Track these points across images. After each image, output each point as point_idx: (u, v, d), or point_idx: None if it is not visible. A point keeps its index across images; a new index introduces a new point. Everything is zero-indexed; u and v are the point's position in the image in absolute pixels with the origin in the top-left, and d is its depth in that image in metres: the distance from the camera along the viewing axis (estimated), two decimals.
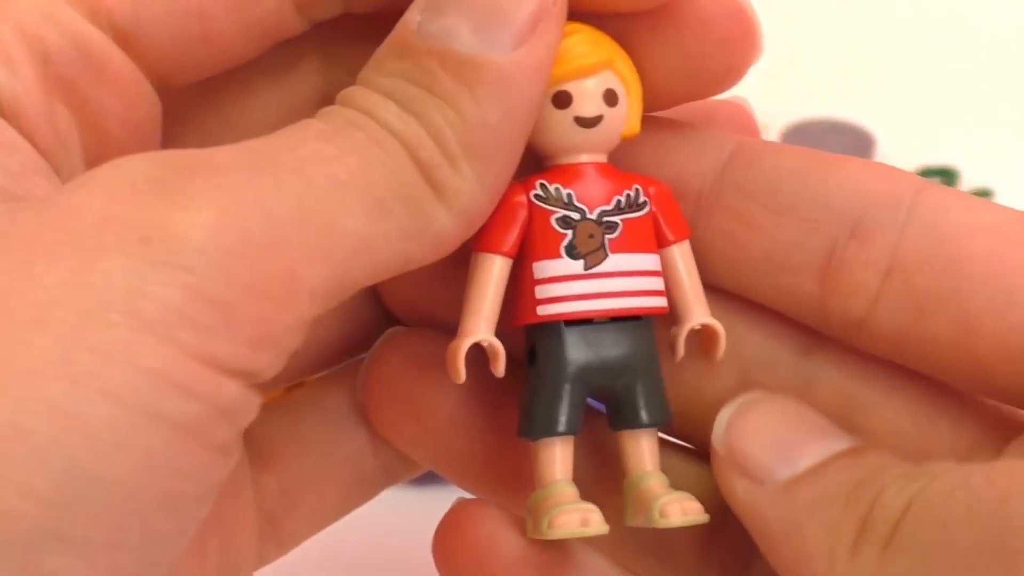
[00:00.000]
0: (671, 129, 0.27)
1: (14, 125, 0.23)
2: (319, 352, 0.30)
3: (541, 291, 0.25)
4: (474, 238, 0.25)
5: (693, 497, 0.25)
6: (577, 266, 0.25)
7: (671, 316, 0.26)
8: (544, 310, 0.25)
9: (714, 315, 0.26)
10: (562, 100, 0.25)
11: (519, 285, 0.25)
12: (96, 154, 0.24)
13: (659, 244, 0.26)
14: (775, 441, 0.25)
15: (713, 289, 0.27)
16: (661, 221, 0.26)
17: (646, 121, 0.26)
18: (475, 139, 0.23)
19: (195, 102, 0.27)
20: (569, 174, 0.25)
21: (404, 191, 0.23)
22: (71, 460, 0.19)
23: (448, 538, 0.27)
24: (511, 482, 0.27)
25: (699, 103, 0.27)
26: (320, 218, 0.21)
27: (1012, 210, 0.26)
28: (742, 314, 0.27)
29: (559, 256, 0.25)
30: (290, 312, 0.21)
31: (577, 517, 0.25)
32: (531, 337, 0.26)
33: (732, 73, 0.26)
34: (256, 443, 0.29)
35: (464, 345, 0.25)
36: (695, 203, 0.27)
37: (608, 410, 0.26)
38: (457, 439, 0.28)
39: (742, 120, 0.29)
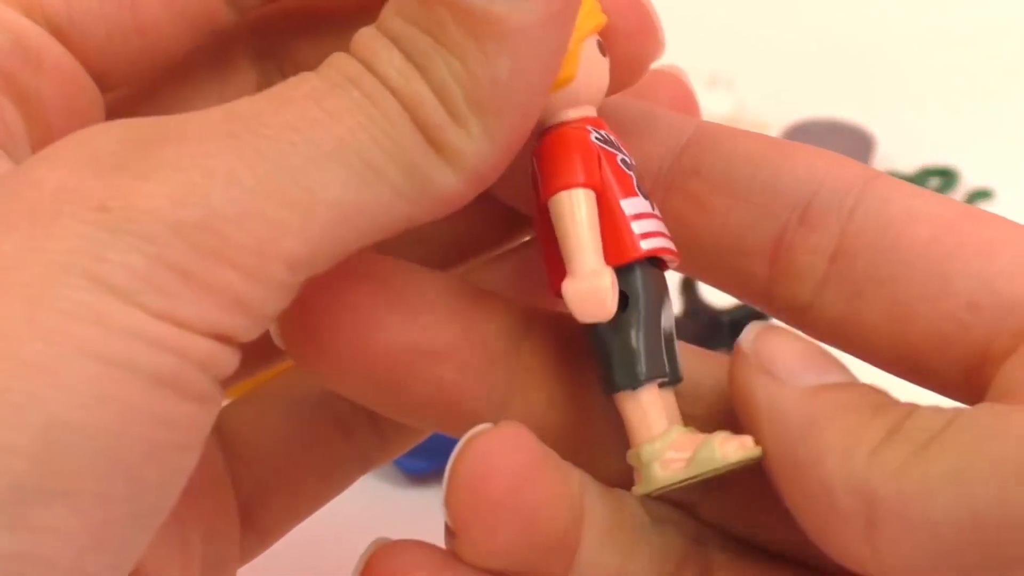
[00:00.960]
0: (633, 111, 0.27)
1: None
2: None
3: (639, 227, 0.24)
4: (551, 181, 0.24)
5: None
6: (647, 205, 0.25)
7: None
8: (648, 243, 0.24)
9: None
10: (603, 47, 0.25)
11: (607, 226, 0.24)
12: (43, 145, 0.24)
13: None
14: (804, 354, 0.24)
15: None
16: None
17: (609, 103, 0.26)
18: (484, 95, 0.22)
19: (138, 101, 0.27)
20: (597, 123, 0.25)
21: (399, 153, 0.22)
22: (50, 415, 0.19)
23: None
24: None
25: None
26: (295, 187, 0.21)
27: (955, 201, 0.26)
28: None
29: (637, 194, 0.25)
30: (261, 282, 0.21)
31: (737, 442, 0.24)
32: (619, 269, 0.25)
33: (635, 68, 0.26)
34: (228, 435, 0.29)
35: (608, 280, 0.24)
36: (651, 184, 0.26)
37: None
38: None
39: (678, 91, 0.29)
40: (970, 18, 0.71)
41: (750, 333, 0.25)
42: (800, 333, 0.25)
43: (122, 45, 0.25)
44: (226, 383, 0.22)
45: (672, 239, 0.25)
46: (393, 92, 0.22)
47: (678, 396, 0.26)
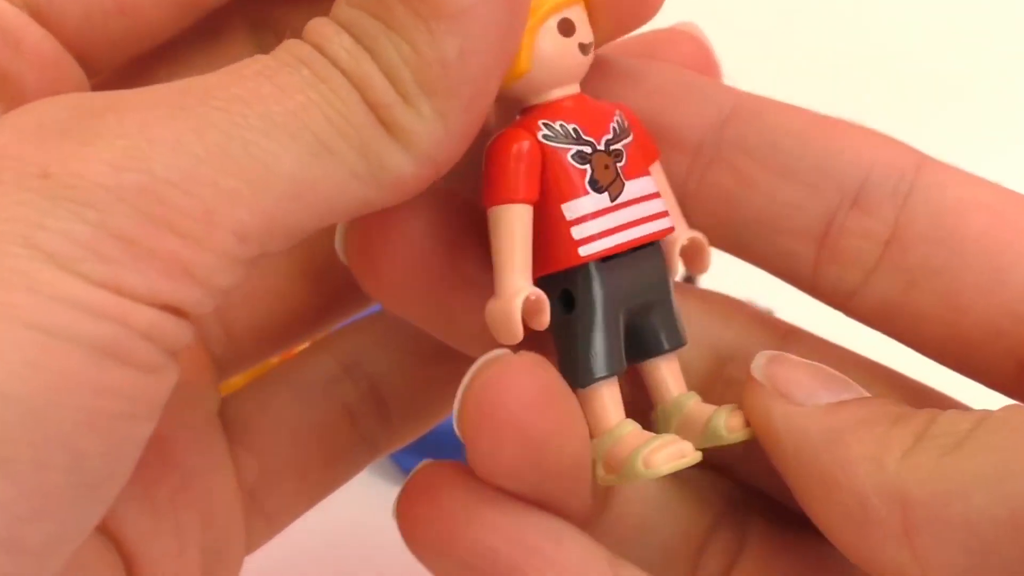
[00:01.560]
0: (670, 77, 0.27)
1: None
2: (292, 322, 0.30)
3: (578, 231, 0.24)
4: (489, 194, 0.24)
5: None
6: (604, 199, 0.24)
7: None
8: (587, 250, 0.24)
9: (690, 306, 0.26)
10: (567, 27, 0.24)
11: (548, 230, 0.24)
12: None
13: None
14: (818, 375, 0.24)
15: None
16: (637, 141, 0.25)
17: (644, 68, 0.26)
18: (433, 76, 0.22)
19: (127, 84, 0.26)
20: (563, 109, 0.24)
21: (351, 131, 0.22)
22: None
23: (414, 504, 0.25)
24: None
25: (650, 33, 0.27)
26: (246, 158, 0.21)
27: (1009, 190, 0.25)
28: (717, 306, 0.28)
29: (586, 192, 0.24)
30: (209, 251, 0.20)
31: (675, 449, 0.24)
32: (560, 282, 0.25)
33: (648, 2, 0.25)
34: (232, 421, 0.29)
35: (517, 305, 0.24)
36: (692, 156, 0.26)
37: (644, 336, 0.26)
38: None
39: (696, 50, 0.29)
40: (970, 19, 0.70)
41: (760, 361, 0.25)
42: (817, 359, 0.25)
43: (103, 26, 0.25)
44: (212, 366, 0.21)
45: (643, 221, 0.25)
46: (343, 72, 0.22)
47: (683, 357, 0.26)
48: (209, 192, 0.20)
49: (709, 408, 0.25)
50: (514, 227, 0.24)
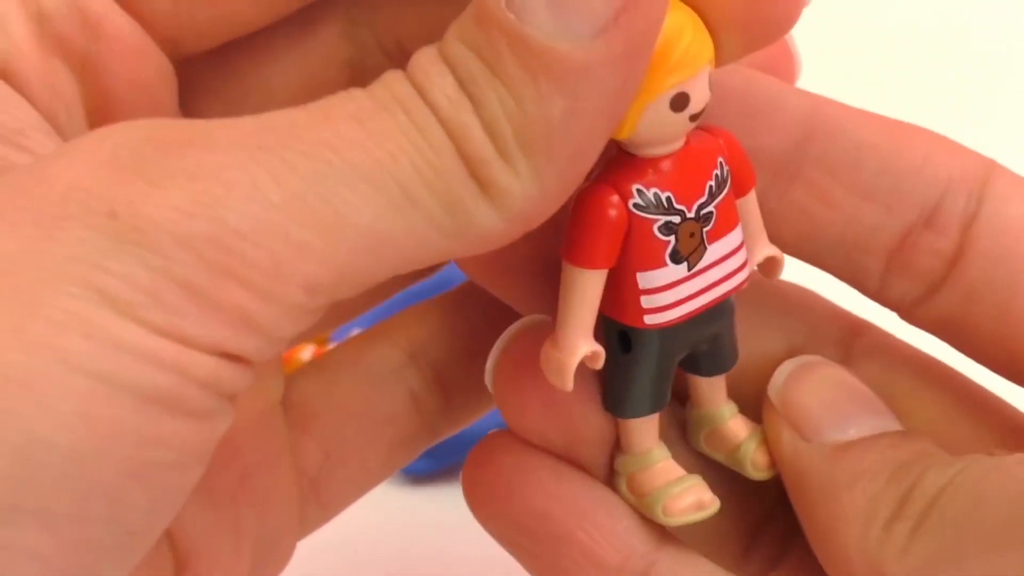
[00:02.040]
0: (752, 90, 0.26)
1: (10, 83, 0.23)
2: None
3: (648, 301, 0.24)
4: (570, 251, 0.24)
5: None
6: (681, 270, 0.24)
7: None
8: (652, 319, 0.24)
9: (764, 296, 0.27)
10: (681, 103, 0.23)
11: (620, 289, 0.24)
12: (101, 114, 0.24)
13: (736, 196, 0.25)
14: (830, 404, 0.25)
15: None
16: (735, 175, 0.25)
17: (726, 81, 0.25)
18: (534, 134, 0.20)
19: (214, 72, 0.26)
20: (663, 170, 0.24)
21: (441, 185, 0.20)
22: (28, 431, 0.18)
23: (476, 469, 0.26)
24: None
25: None
26: (325, 208, 0.20)
27: None
28: (791, 301, 0.28)
29: (664, 265, 0.24)
30: (275, 304, 0.20)
31: (693, 501, 0.25)
32: (622, 324, 0.25)
33: (787, 15, 0.23)
34: (294, 406, 0.29)
35: (573, 362, 0.24)
36: (774, 174, 0.26)
37: (696, 360, 0.26)
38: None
39: (777, 48, 0.27)
40: (970, 21, 0.70)
41: (779, 380, 0.26)
42: (835, 368, 0.26)
43: (190, 15, 0.24)
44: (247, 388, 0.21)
45: (721, 281, 0.25)
46: (441, 121, 0.21)
47: (754, 349, 0.27)
48: (280, 245, 0.19)
49: (742, 431, 0.26)
50: (586, 291, 0.24)
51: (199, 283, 0.19)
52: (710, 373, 0.26)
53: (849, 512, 0.24)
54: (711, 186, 0.24)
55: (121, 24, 0.24)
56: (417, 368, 0.30)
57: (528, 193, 0.21)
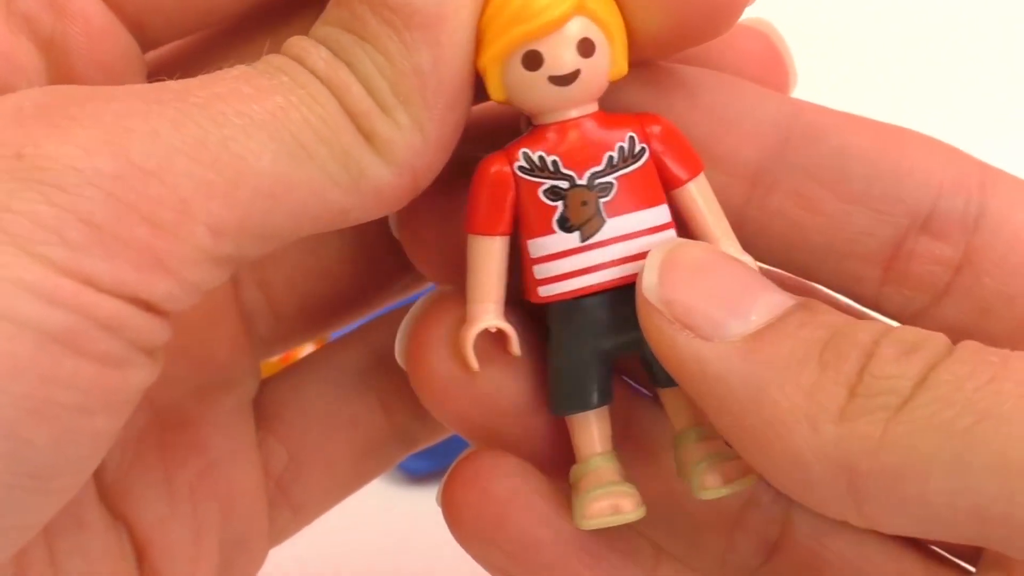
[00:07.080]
0: (725, 92, 0.25)
1: None
2: (338, 303, 0.29)
3: (539, 271, 0.24)
4: (467, 218, 0.24)
5: (732, 455, 0.24)
6: (572, 239, 0.24)
7: None
8: (545, 291, 0.24)
9: None
10: (532, 61, 0.23)
11: (520, 263, 0.24)
12: None
13: (670, 186, 0.24)
14: (720, 293, 0.23)
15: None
16: (668, 162, 0.24)
17: (699, 80, 0.25)
18: (409, 84, 0.22)
19: (182, 62, 0.27)
20: (555, 136, 0.24)
21: (329, 136, 0.22)
22: None
23: (461, 491, 0.25)
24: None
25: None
26: (224, 152, 0.21)
27: None
28: None
29: (552, 231, 0.24)
30: (183, 242, 0.20)
31: (607, 504, 0.24)
32: (543, 313, 0.24)
33: (726, 13, 0.23)
34: (262, 408, 0.29)
35: (470, 335, 0.24)
36: (751, 183, 0.25)
37: (644, 369, 0.25)
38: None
39: (764, 50, 0.27)
40: (971, 22, 0.70)
41: (652, 273, 0.23)
42: (702, 247, 0.24)
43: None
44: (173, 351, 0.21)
45: (627, 260, 0.24)
46: (322, 80, 0.22)
47: None
48: (184, 182, 0.20)
49: (699, 453, 0.25)
50: (483, 258, 0.24)
51: (104, 219, 0.19)
52: (662, 383, 0.25)
53: (785, 412, 0.21)
54: (611, 156, 0.24)
55: (87, 4, 0.24)
56: (387, 373, 0.29)
57: (411, 142, 0.22)
